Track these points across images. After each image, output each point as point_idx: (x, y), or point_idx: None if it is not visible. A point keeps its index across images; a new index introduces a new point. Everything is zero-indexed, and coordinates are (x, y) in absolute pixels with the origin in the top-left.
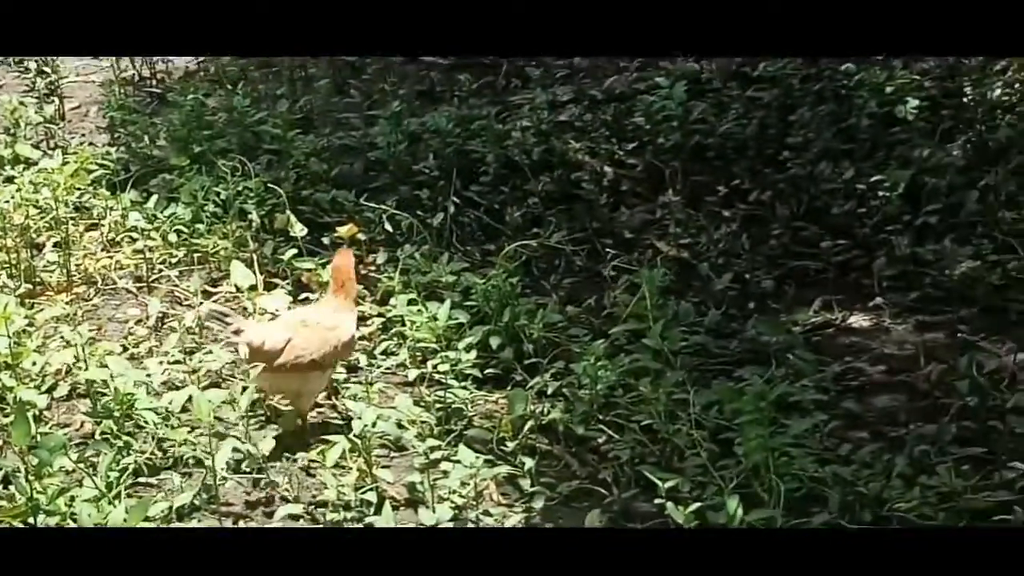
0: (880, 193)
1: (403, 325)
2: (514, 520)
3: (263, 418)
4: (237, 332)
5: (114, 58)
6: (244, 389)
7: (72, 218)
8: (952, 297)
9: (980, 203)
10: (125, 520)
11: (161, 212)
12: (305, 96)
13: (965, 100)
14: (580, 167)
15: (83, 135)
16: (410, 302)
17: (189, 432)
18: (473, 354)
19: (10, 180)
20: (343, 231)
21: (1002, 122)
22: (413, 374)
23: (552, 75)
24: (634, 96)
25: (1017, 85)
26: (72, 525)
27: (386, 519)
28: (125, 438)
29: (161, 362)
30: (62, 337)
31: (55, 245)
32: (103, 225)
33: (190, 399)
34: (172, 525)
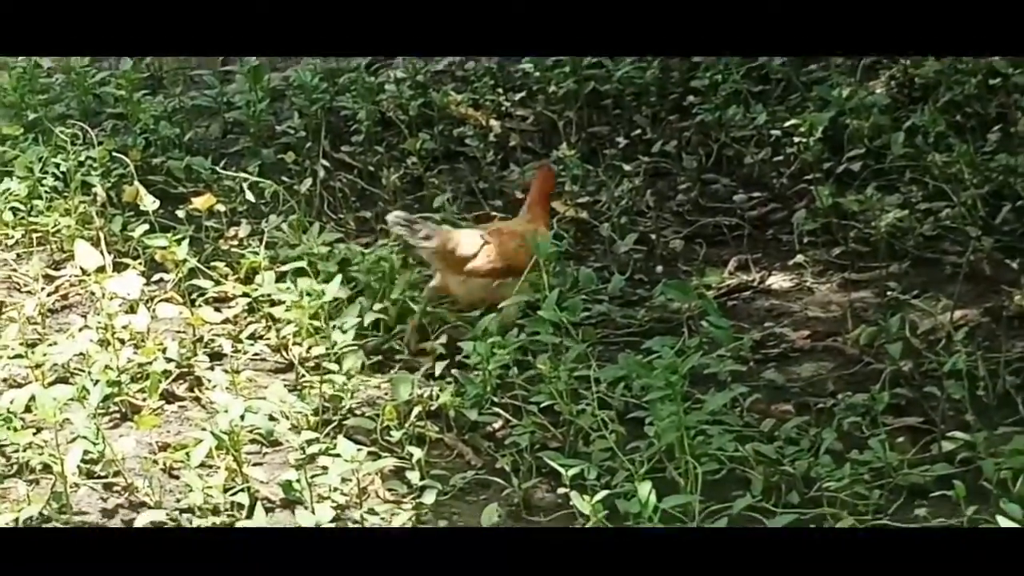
0: (797, 139)
1: (272, 305)
2: (403, 518)
3: (118, 415)
4: (427, 237)
5: None
6: (96, 383)
7: None
8: (880, 251)
9: (908, 145)
10: None
11: None
12: None
13: None
14: (463, 121)
15: None
16: (279, 279)
17: (34, 434)
18: (352, 335)
19: None
20: (199, 202)
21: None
22: (285, 360)
23: None
24: None
25: None
26: None
27: (259, 523)
28: None
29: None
30: None
31: None
32: None
33: (33, 398)
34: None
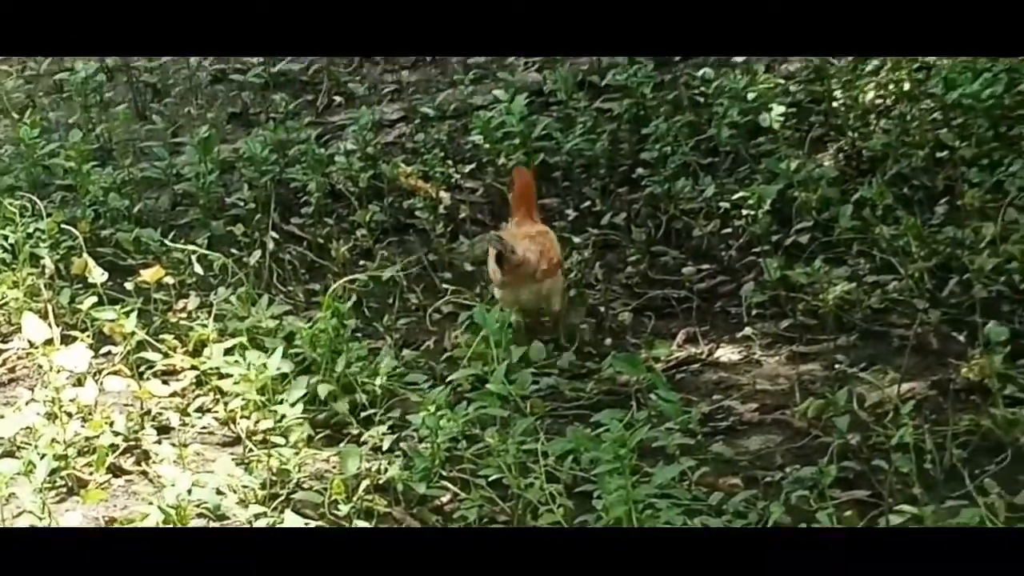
0: (745, 211)
1: (220, 378)
2: None
3: (64, 490)
4: (513, 251)
5: None
6: (42, 457)
7: None
8: (828, 324)
9: (855, 218)
10: None
11: None
12: (101, 124)
13: (835, 105)
14: (413, 193)
15: None
16: (227, 352)
17: None
18: (300, 408)
19: None
20: (148, 275)
21: (876, 127)
22: (233, 433)
23: (379, 91)
24: (470, 112)
25: (891, 86)
26: None
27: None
28: None
29: None
30: None
31: None
32: None
33: None
34: None
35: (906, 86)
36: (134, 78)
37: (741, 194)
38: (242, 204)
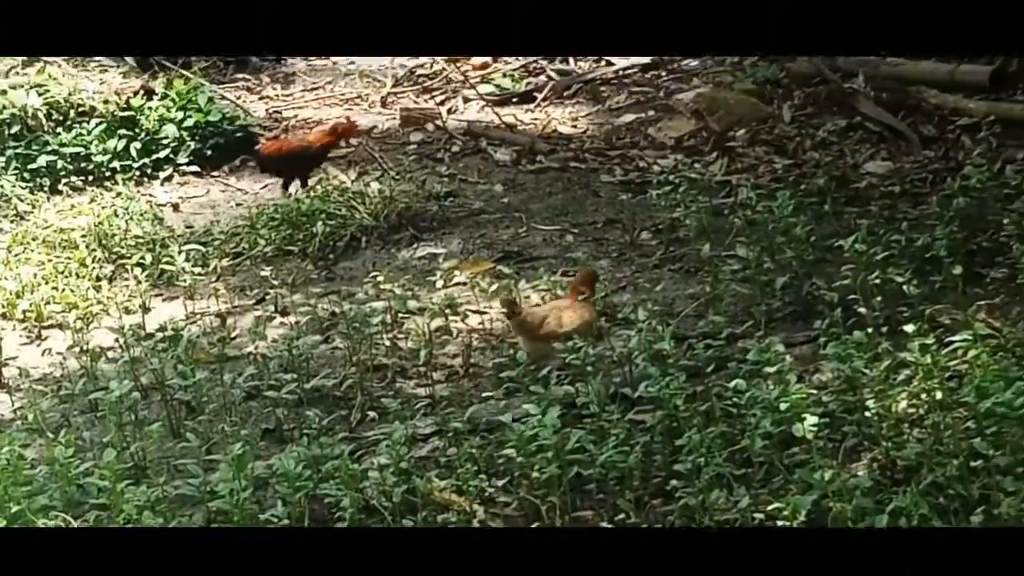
0: (780, 522)
1: None
2: None
3: None
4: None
5: None
6: None
7: None
8: None
9: (891, 527)
10: None
11: None
12: (136, 442)
13: (868, 414)
14: (447, 507)
15: None
16: None
17: None
18: None
19: None
20: None
21: (910, 437)
22: None
23: (412, 406)
24: (502, 426)
25: (924, 396)
26: None
27: None
28: None
29: None
30: None
31: None
32: None
33: None
34: None
35: (938, 395)
36: (168, 396)
37: (776, 505)
38: (276, 520)
